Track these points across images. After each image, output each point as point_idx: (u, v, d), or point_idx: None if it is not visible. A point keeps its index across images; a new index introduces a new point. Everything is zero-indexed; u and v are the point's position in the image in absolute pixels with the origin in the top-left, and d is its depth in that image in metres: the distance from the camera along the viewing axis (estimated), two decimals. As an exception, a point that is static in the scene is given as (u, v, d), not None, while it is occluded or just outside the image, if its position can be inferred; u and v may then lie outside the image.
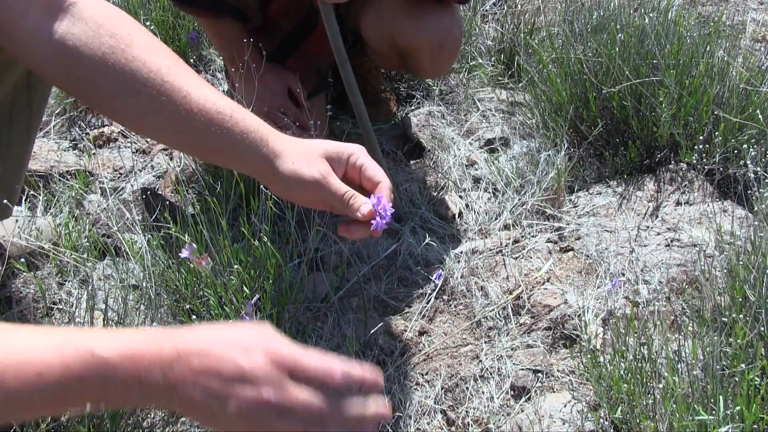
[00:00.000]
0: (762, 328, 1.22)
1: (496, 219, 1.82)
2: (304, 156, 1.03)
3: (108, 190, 1.82)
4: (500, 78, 2.35)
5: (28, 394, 0.69)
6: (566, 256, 1.69)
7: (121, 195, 1.85)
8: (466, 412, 1.37)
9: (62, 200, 1.79)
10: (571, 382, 1.41)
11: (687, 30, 1.91)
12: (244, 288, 1.41)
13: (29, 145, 1.37)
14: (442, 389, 1.42)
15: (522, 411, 1.37)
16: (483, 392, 1.41)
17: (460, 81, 2.31)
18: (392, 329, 1.55)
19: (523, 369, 1.44)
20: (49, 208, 1.78)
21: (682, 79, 1.81)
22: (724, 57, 1.86)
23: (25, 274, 1.55)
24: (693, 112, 1.82)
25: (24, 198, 1.79)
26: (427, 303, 1.59)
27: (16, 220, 1.62)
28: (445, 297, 1.62)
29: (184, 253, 1.27)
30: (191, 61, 2.39)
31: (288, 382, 0.74)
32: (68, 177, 1.88)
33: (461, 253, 1.71)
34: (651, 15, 1.92)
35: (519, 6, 2.51)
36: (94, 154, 2.02)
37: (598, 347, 1.42)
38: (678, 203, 1.79)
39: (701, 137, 1.80)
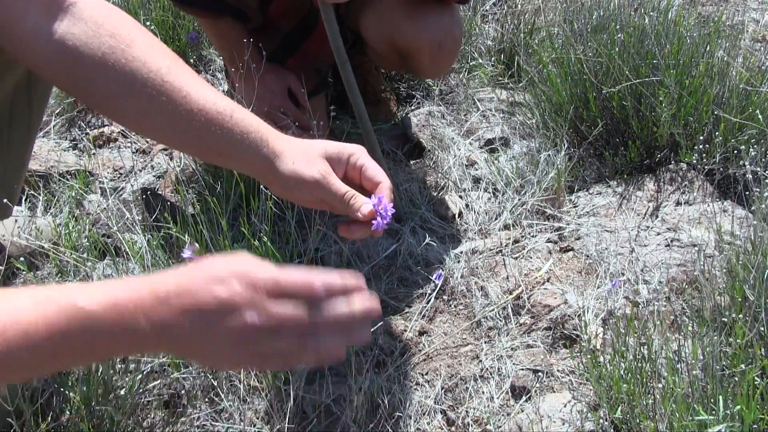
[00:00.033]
0: (762, 328, 1.22)
1: (496, 219, 1.82)
2: (304, 156, 1.03)
3: (108, 190, 1.82)
4: (500, 78, 2.35)
5: (17, 355, 0.69)
6: (566, 256, 1.69)
7: (121, 195, 1.85)
8: (466, 412, 1.37)
9: (62, 200, 1.79)
10: (571, 382, 1.41)
11: (687, 30, 1.91)
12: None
13: (29, 145, 1.37)
14: (442, 389, 1.42)
15: (522, 411, 1.37)
16: (483, 392, 1.41)
17: (460, 81, 2.31)
18: (392, 329, 1.55)
19: (523, 369, 1.44)
20: (49, 208, 1.78)
21: (682, 79, 1.81)
22: (724, 57, 1.86)
23: (25, 273, 1.55)
24: (693, 112, 1.82)
25: (24, 198, 1.79)
26: (427, 303, 1.59)
27: (16, 220, 1.62)
28: (445, 297, 1.62)
29: (186, 253, 1.27)
30: (191, 61, 2.39)
31: (269, 302, 0.73)
32: (68, 177, 1.88)
33: (461, 253, 1.71)
34: (651, 15, 1.92)
35: (519, 6, 2.51)
36: (94, 154, 2.02)
37: (598, 347, 1.42)
38: (678, 203, 1.79)
39: (701, 137, 1.80)
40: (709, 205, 1.75)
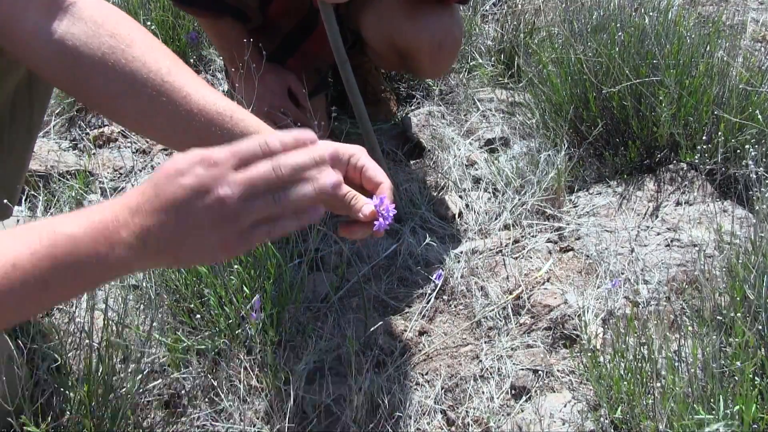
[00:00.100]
0: (760, 327, 1.22)
1: (496, 219, 1.82)
2: None
3: (108, 190, 1.82)
4: (500, 78, 2.35)
5: (9, 288, 0.71)
6: (566, 256, 1.69)
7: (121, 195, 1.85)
8: (466, 412, 1.37)
9: (62, 200, 1.79)
10: (571, 382, 1.41)
11: (687, 30, 1.91)
12: (244, 288, 1.41)
13: (30, 145, 1.37)
14: (442, 389, 1.42)
15: (522, 411, 1.37)
16: (483, 392, 1.41)
17: (460, 81, 2.31)
18: (392, 329, 1.55)
19: (523, 369, 1.44)
20: (49, 208, 1.78)
21: (682, 79, 1.81)
22: (724, 57, 1.86)
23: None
24: (693, 112, 1.82)
25: (24, 198, 1.79)
26: (427, 303, 1.59)
27: (17, 221, 1.62)
28: (445, 297, 1.62)
29: None
30: (191, 61, 2.39)
31: (235, 173, 0.75)
32: (68, 177, 1.88)
33: (461, 253, 1.71)
34: (651, 15, 1.92)
35: (519, 6, 2.51)
36: (94, 154, 2.02)
37: (598, 347, 1.42)
38: (678, 203, 1.79)
39: (701, 137, 1.80)
40: (709, 205, 1.75)
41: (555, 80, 2.00)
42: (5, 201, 1.31)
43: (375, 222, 1.01)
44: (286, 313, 1.47)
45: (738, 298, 1.28)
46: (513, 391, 1.41)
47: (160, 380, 1.39)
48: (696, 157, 1.81)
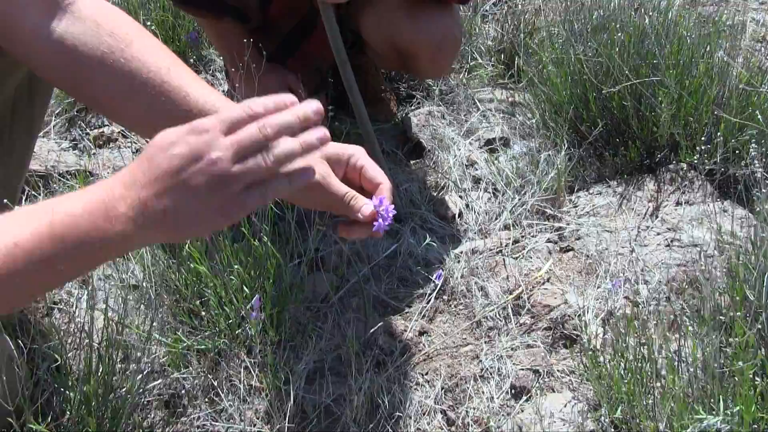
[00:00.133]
0: (760, 326, 1.22)
1: (496, 219, 1.82)
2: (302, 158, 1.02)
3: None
4: (500, 78, 2.35)
5: (13, 267, 0.73)
6: (566, 256, 1.69)
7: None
8: (466, 412, 1.37)
9: (62, 200, 1.79)
10: (571, 382, 1.41)
11: (687, 30, 1.91)
12: (244, 288, 1.41)
13: (31, 145, 1.37)
14: (442, 389, 1.42)
15: (522, 411, 1.37)
16: (483, 392, 1.41)
17: (460, 81, 2.31)
18: (392, 329, 1.55)
19: (523, 369, 1.44)
20: (50, 208, 1.78)
21: (682, 79, 1.81)
22: (724, 57, 1.86)
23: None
24: (693, 112, 1.82)
25: (24, 198, 1.79)
26: (427, 303, 1.59)
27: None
28: (445, 297, 1.62)
29: None
30: (191, 61, 2.39)
31: (224, 137, 0.78)
32: (68, 177, 1.88)
33: (461, 253, 1.71)
34: (651, 15, 1.92)
35: (519, 6, 2.51)
36: (94, 154, 2.02)
37: (598, 347, 1.42)
38: (678, 203, 1.79)
39: (701, 137, 1.80)
40: (709, 205, 1.75)
41: (555, 80, 2.00)
42: (5, 201, 1.31)
43: (374, 223, 1.01)
44: (286, 313, 1.47)
45: (738, 299, 1.28)
46: (513, 391, 1.41)
47: (160, 380, 1.39)
48: (695, 157, 1.81)
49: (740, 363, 1.13)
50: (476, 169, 1.97)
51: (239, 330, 1.43)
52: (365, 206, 1.01)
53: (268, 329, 1.39)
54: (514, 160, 1.95)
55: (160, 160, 0.77)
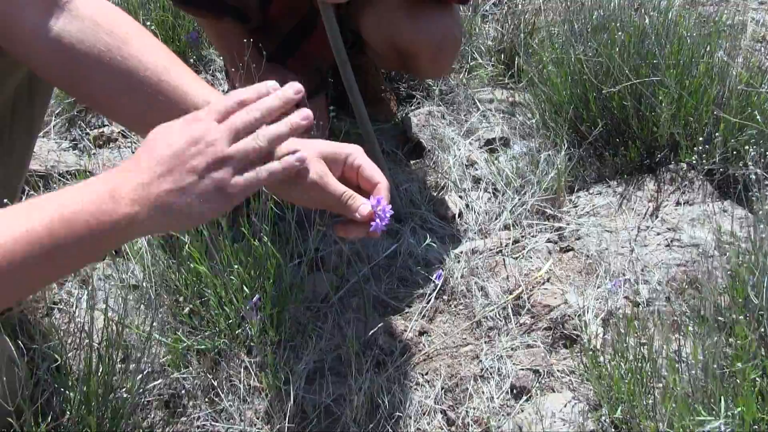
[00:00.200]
0: (762, 330, 1.22)
1: (496, 219, 1.82)
2: None
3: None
4: (500, 78, 2.35)
5: (29, 253, 0.76)
6: (566, 256, 1.69)
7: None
8: (466, 412, 1.37)
9: (62, 200, 1.79)
10: (571, 382, 1.41)
11: (687, 30, 1.91)
12: (244, 288, 1.41)
13: (31, 146, 1.37)
14: (442, 389, 1.42)
15: (522, 411, 1.37)
16: (483, 392, 1.41)
17: (460, 81, 2.31)
18: (392, 329, 1.55)
19: (523, 369, 1.44)
20: (49, 208, 1.78)
21: (682, 79, 1.81)
22: (724, 57, 1.86)
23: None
24: (693, 112, 1.82)
25: (24, 198, 1.79)
26: (427, 303, 1.59)
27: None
28: (445, 297, 1.62)
29: None
30: (191, 61, 2.39)
31: (218, 124, 0.85)
32: (68, 177, 1.88)
33: (461, 253, 1.71)
34: (651, 15, 1.92)
35: (519, 6, 2.51)
36: (94, 154, 2.02)
37: (598, 347, 1.42)
38: (678, 203, 1.79)
39: (701, 137, 1.80)
40: (709, 205, 1.75)
41: (555, 80, 2.00)
42: (5, 201, 1.31)
43: (372, 222, 1.01)
44: (286, 313, 1.47)
45: (740, 299, 1.28)
46: (513, 391, 1.41)
47: (160, 380, 1.39)
48: (695, 157, 1.81)
49: (741, 365, 1.13)
50: (476, 169, 1.97)
51: (239, 330, 1.43)
52: (363, 206, 1.01)
53: (268, 329, 1.39)
54: (514, 160, 1.95)
55: (161, 146, 0.82)
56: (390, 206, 1.03)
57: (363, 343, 1.48)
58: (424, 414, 1.37)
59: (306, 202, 1.06)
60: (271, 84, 0.90)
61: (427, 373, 1.45)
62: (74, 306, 1.47)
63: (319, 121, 1.64)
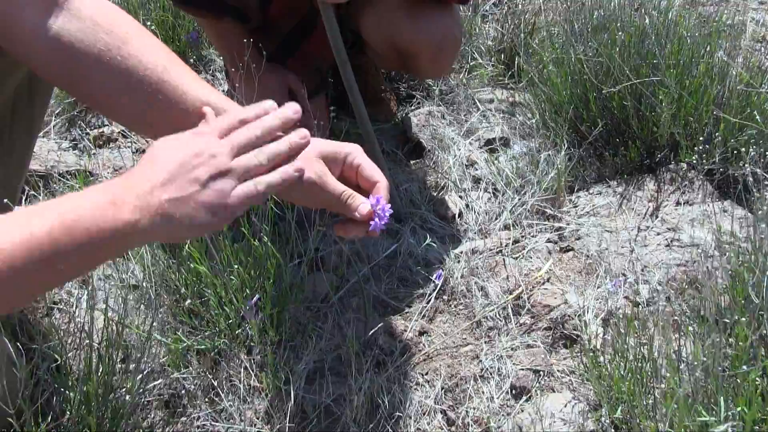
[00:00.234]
0: (764, 331, 1.21)
1: (496, 219, 1.81)
2: (300, 157, 1.02)
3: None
4: (500, 78, 2.35)
5: (29, 256, 0.77)
6: (566, 256, 1.69)
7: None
8: (466, 412, 1.37)
9: (62, 200, 1.79)
10: (571, 382, 1.41)
11: (687, 30, 1.91)
12: (244, 288, 1.41)
13: (31, 146, 1.37)
14: (442, 389, 1.42)
15: (522, 411, 1.37)
16: (483, 392, 1.41)
17: (460, 81, 2.31)
18: (392, 329, 1.55)
19: (523, 369, 1.44)
20: (49, 208, 1.77)
21: (682, 79, 1.81)
22: (724, 57, 1.86)
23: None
24: (693, 112, 1.82)
25: (24, 198, 1.79)
26: (427, 303, 1.59)
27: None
28: (445, 297, 1.62)
29: None
30: (191, 61, 2.39)
31: (220, 139, 0.88)
32: (68, 177, 1.88)
33: (461, 253, 1.71)
34: (651, 15, 1.92)
35: (519, 6, 2.51)
36: (94, 154, 2.02)
37: (598, 347, 1.41)
38: (678, 203, 1.79)
39: (701, 137, 1.80)
40: (709, 205, 1.75)
41: (555, 80, 2.00)
42: (6, 201, 1.31)
43: (371, 222, 1.01)
44: (286, 313, 1.47)
45: (740, 299, 1.28)
46: (513, 391, 1.41)
47: (160, 380, 1.39)
48: (695, 157, 1.81)
49: (744, 367, 1.13)
50: (476, 169, 1.97)
51: (239, 330, 1.43)
52: (362, 205, 1.01)
53: (268, 329, 1.39)
54: (514, 160, 1.95)
55: (164, 157, 0.84)
56: (389, 205, 1.03)
57: (363, 343, 1.48)
58: (424, 414, 1.37)
59: (305, 202, 1.06)
60: (270, 104, 0.93)
61: (427, 373, 1.45)
62: (74, 306, 1.47)
63: (319, 121, 1.64)
